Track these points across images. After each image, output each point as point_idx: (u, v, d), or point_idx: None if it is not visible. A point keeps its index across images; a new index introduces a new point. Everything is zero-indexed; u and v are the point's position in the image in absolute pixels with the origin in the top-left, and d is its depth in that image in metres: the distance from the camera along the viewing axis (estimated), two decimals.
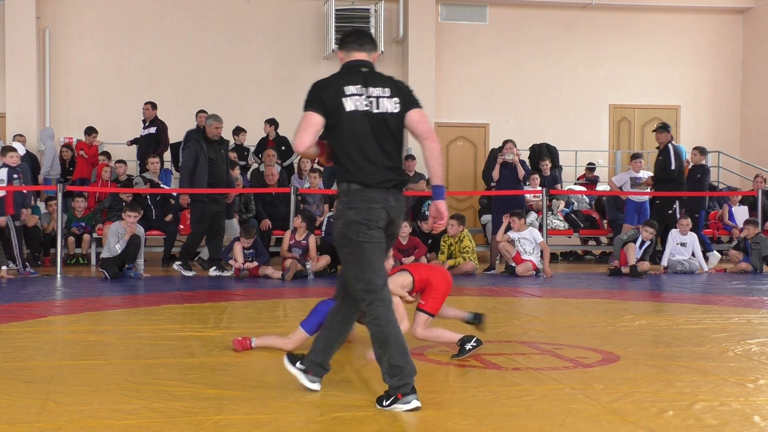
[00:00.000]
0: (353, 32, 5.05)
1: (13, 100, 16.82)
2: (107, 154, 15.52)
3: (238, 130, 15.75)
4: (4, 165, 12.15)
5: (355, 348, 6.41)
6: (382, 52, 18.03)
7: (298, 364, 5.03)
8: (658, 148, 14.47)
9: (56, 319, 7.91)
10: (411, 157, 16.17)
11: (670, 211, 14.00)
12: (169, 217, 13.91)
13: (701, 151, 14.80)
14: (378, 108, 4.77)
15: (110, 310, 8.47)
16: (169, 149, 15.58)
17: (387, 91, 4.82)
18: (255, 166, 15.55)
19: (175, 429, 4.24)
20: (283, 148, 15.85)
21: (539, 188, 14.74)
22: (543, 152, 16.77)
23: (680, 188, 14.10)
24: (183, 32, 17.69)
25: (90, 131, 15.67)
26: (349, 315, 5.06)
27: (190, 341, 6.65)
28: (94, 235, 14.12)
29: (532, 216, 14.76)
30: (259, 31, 18.20)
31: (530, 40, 19.17)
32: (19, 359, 5.94)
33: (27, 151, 15.26)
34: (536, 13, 19.27)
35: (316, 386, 4.98)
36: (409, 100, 4.86)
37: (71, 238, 13.97)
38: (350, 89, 4.77)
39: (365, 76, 4.85)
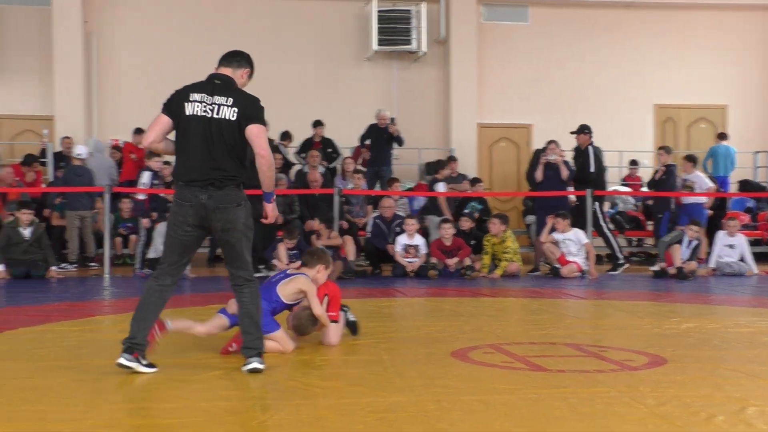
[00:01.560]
0: (229, 51, 5.82)
1: (62, 103, 17.03)
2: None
3: (285, 136, 15.80)
4: (148, 168, 12.59)
5: (398, 349, 6.41)
6: (424, 53, 18.03)
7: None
8: (578, 149, 14.27)
9: (104, 318, 8.00)
10: (453, 159, 16.14)
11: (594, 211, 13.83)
12: None
13: (667, 150, 14.84)
14: (217, 114, 5.38)
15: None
16: None
17: (230, 101, 5.42)
18: (299, 166, 15.60)
19: (220, 428, 4.27)
20: (328, 149, 15.90)
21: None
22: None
23: (601, 189, 14.01)
24: (226, 35, 17.75)
25: (139, 132, 15.80)
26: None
27: None
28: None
29: None
30: (302, 34, 18.26)
31: (572, 40, 19.04)
32: (68, 357, 6.02)
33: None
34: (578, 12, 19.13)
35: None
36: (250, 114, 5.44)
37: (118, 239, 14.13)
38: (195, 96, 5.43)
39: (214, 86, 5.49)
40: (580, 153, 14.05)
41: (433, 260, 12.59)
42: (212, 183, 5.38)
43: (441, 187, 14.53)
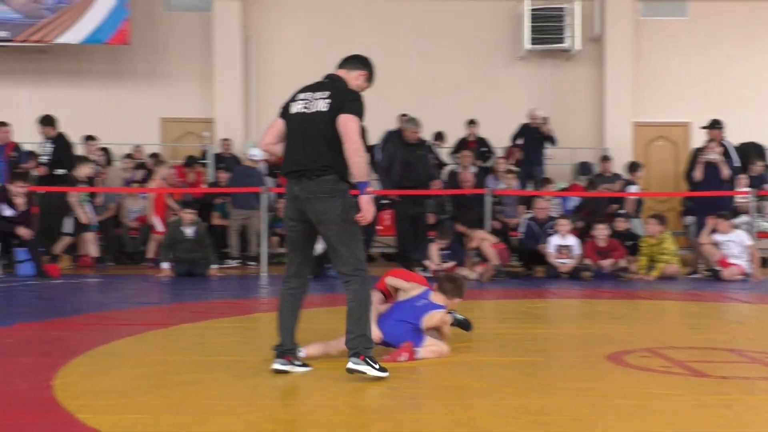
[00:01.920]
0: (347, 56, 5.82)
1: (222, 106, 17.60)
2: None
3: (438, 136, 15.84)
4: None
5: (551, 351, 6.34)
6: (578, 51, 17.75)
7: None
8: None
9: (262, 315, 8.21)
10: (607, 158, 15.83)
11: None
12: None
13: None
14: (314, 108, 5.41)
15: (311, 308, 8.68)
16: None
17: (326, 94, 5.43)
18: (452, 167, 15.60)
19: (374, 426, 4.32)
20: (483, 149, 15.87)
21: (747, 189, 14.08)
22: (750, 151, 16.01)
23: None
24: (380, 36, 17.97)
25: None
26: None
27: None
28: None
29: (742, 218, 14.08)
30: (454, 33, 18.26)
31: (734, 34, 18.31)
32: (228, 353, 6.21)
33: (232, 154, 16.01)
34: (740, 5, 18.38)
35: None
36: (341, 104, 5.36)
37: (275, 238, 14.48)
38: (300, 96, 5.54)
39: (319, 84, 5.57)
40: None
41: (587, 261, 12.37)
42: (304, 174, 5.34)
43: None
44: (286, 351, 5.48)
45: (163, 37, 18.13)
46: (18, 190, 11.47)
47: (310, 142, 5.37)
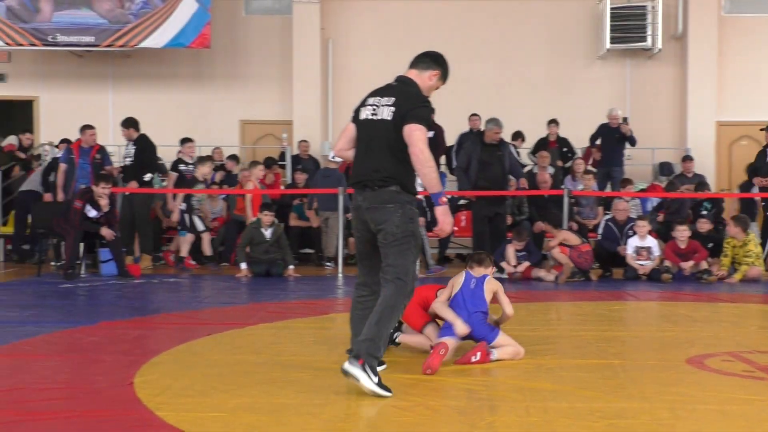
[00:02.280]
0: (419, 54, 5.58)
1: (300, 108, 17.76)
2: None
3: (517, 135, 15.74)
4: None
5: (630, 354, 6.26)
6: (659, 50, 17.49)
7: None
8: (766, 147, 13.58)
9: (338, 316, 8.26)
10: (689, 159, 15.56)
11: None
12: None
13: None
14: (380, 115, 5.24)
15: None
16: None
17: (391, 101, 5.23)
18: (530, 167, 15.49)
19: (449, 427, 4.32)
20: (564, 149, 15.73)
21: None
22: None
23: None
24: (457, 37, 17.94)
25: None
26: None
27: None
28: None
29: None
30: (533, 33, 18.15)
31: None
32: (305, 353, 6.27)
33: (310, 156, 16.17)
34: None
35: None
36: (405, 112, 5.15)
37: (351, 239, 14.53)
38: (369, 101, 5.35)
39: (387, 88, 5.37)
40: None
41: (667, 263, 12.16)
42: (367, 184, 5.21)
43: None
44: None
45: (243, 41, 18.39)
46: (102, 191, 11.72)
47: (373, 151, 5.24)
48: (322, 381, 5.30)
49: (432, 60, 5.51)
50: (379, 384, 4.90)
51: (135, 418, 4.44)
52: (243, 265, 12.11)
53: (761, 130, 13.50)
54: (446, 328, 6.04)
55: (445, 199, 5.18)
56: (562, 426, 4.33)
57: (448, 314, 6.06)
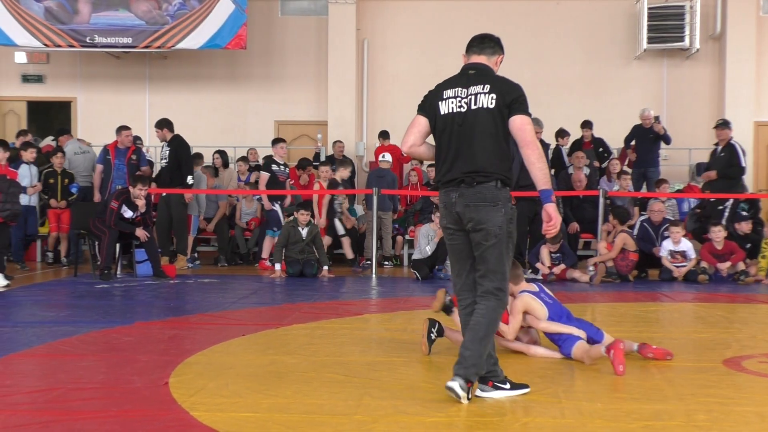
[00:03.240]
0: (477, 36, 5.15)
1: (335, 108, 17.81)
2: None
3: (562, 133, 15.66)
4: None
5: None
6: (697, 50, 17.34)
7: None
8: (716, 144, 13.63)
9: (371, 317, 8.27)
10: None
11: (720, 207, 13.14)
12: None
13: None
14: (474, 105, 4.86)
15: (421, 310, 8.71)
16: None
17: (486, 88, 4.86)
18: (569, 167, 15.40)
19: (484, 428, 4.31)
20: (600, 149, 15.63)
21: None
22: None
23: (742, 188, 13.51)
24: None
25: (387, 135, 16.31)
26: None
27: None
28: (406, 236, 14.63)
29: None
30: (569, 33, 18.06)
31: None
32: (338, 354, 6.28)
33: (345, 156, 16.19)
34: None
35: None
36: (512, 101, 4.84)
37: (399, 238, 14.58)
38: (448, 93, 4.98)
39: (471, 77, 4.97)
40: (723, 149, 13.46)
41: (704, 264, 12.05)
42: (463, 181, 4.87)
43: None
44: (487, 377, 4.97)
45: (278, 42, 18.47)
46: (139, 192, 11.82)
47: (472, 144, 4.87)
48: (356, 381, 5.31)
49: (497, 44, 5.15)
50: (512, 386, 4.92)
51: (170, 418, 4.47)
52: (278, 266, 12.14)
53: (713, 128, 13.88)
54: (567, 340, 6.08)
55: (554, 197, 4.92)
56: (597, 427, 4.31)
57: (562, 328, 6.15)
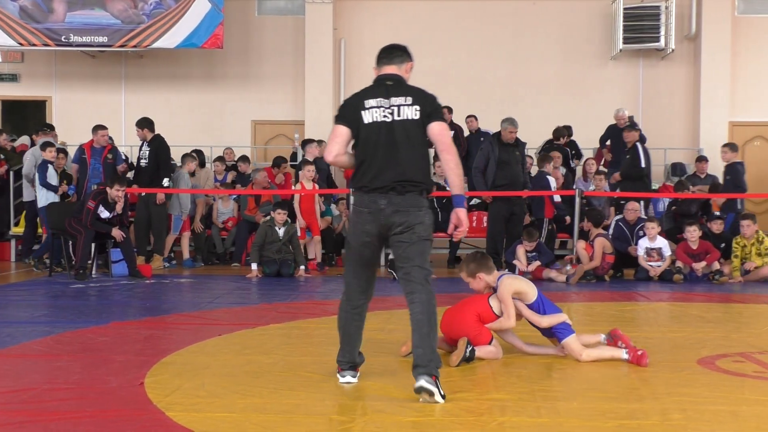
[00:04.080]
0: (385, 48, 5.42)
1: (312, 108, 17.79)
2: None
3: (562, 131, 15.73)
4: None
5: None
6: (672, 50, 17.45)
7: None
8: (625, 147, 13.91)
9: None
10: (702, 159, 15.51)
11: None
12: None
13: (731, 147, 13.96)
14: (399, 116, 5.09)
15: (398, 309, 8.70)
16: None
17: (409, 100, 5.11)
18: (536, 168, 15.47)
19: (460, 428, 4.32)
20: (573, 151, 15.69)
21: None
22: None
23: (646, 187, 13.67)
24: (470, 37, 17.96)
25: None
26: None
27: None
28: None
29: None
30: (546, 33, 18.14)
31: None
32: (315, 354, 6.28)
33: (322, 156, 16.12)
34: None
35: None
36: (431, 111, 5.11)
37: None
38: (370, 102, 5.17)
39: (391, 88, 5.20)
40: (628, 150, 13.76)
41: (679, 264, 12.13)
42: (394, 188, 5.05)
43: None
44: (358, 365, 5.42)
45: (255, 41, 18.44)
46: (117, 193, 11.76)
47: (400, 154, 5.07)
48: (333, 381, 5.30)
49: (404, 52, 5.40)
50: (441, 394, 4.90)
51: (145, 418, 4.45)
52: (254, 266, 12.11)
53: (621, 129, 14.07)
54: (564, 329, 6.09)
55: (466, 201, 5.18)
56: (573, 426, 4.32)
57: (553, 319, 6.13)
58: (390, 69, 5.32)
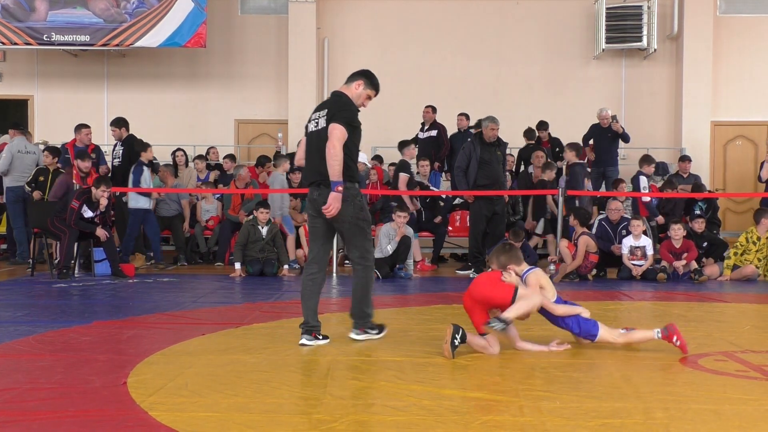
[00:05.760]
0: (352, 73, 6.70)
1: (295, 107, 17.76)
2: (379, 158, 16.02)
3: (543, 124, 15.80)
4: None
5: (624, 354, 6.26)
6: (654, 50, 17.52)
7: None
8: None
9: (332, 316, 8.25)
10: (685, 158, 15.58)
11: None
12: (438, 219, 14.12)
13: (571, 147, 13.87)
14: (317, 126, 6.48)
15: (381, 309, 8.71)
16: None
17: (324, 112, 6.45)
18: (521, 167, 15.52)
19: (443, 427, 4.31)
20: (557, 149, 15.74)
21: None
22: None
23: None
24: (453, 36, 17.97)
25: None
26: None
27: None
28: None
29: None
30: (529, 33, 18.18)
31: None
32: (299, 353, 6.26)
33: None
34: None
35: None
36: (332, 116, 6.36)
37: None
38: (312, 116, 6.62)
39: (324, 103, 6.65)
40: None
41: (663, 263, 12.17)
42: (322, 183, 6.41)
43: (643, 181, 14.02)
44: (312, 328, 6.56)
45: (238, 40, 18.40)
46: (101, 194, 11.71)
47: (319, 155, 6.37)
48: (317, 380, 5.30)
49: (357, 74, 6.62)
50: (379, 332, 6.78)
51: (128, 417, 4.43)
52: (237, 265, 12.10)
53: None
54: (593, 326, 6.40)
55: (341, 188, 6.27)
56: (556, 425, 4.33)
57: (572, 309, 6.48)
58: (341, 88, 6.65)
